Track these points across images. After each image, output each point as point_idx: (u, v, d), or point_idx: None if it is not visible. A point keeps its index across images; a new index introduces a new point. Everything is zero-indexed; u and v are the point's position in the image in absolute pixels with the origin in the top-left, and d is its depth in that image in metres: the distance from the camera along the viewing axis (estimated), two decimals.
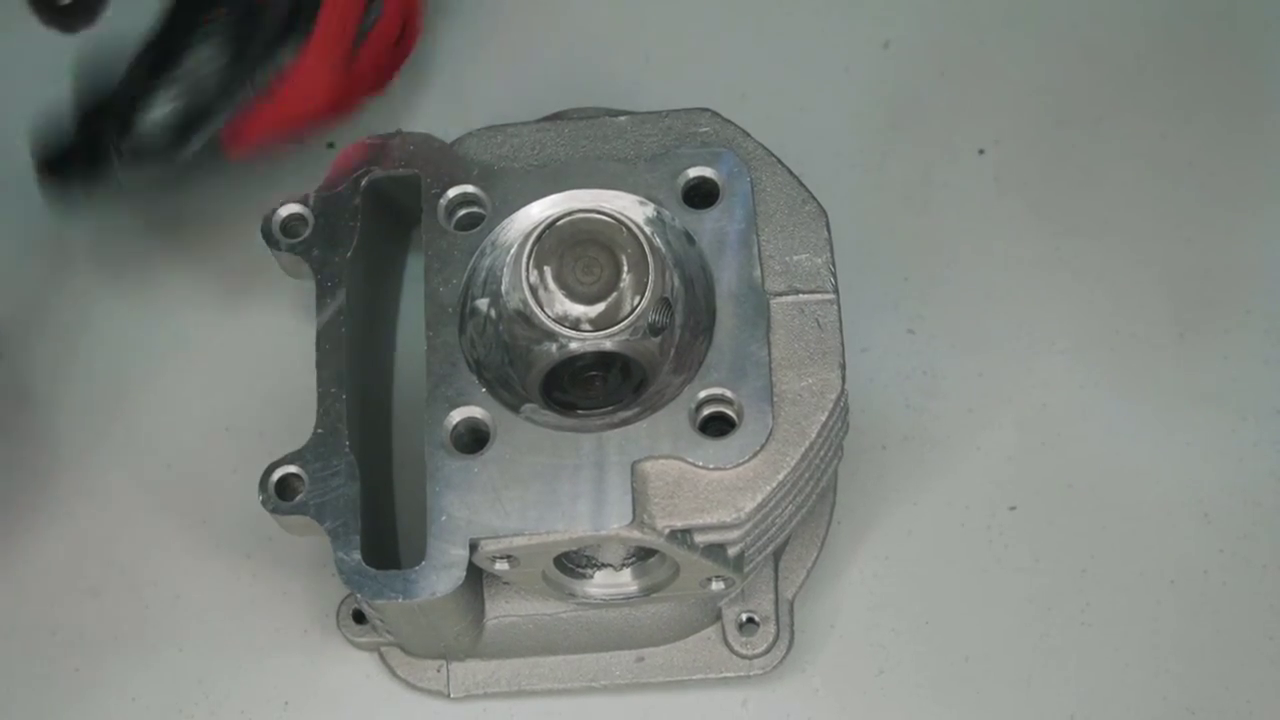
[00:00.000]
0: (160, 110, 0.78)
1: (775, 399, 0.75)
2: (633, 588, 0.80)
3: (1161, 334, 0.87)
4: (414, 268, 0.87)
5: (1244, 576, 0.86)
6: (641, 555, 0.79)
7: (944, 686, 0.83)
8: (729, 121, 0.80)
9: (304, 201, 0.80)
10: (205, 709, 0.84)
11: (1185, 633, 0.85)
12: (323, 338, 0.78)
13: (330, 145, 0.93)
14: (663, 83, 0.94)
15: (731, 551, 0.76)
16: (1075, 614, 0.85)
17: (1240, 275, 0.91)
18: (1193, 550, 0.86)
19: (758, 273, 0.77)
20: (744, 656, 0.82)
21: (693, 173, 0.79)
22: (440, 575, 0.73)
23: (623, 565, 0.80)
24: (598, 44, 0.92)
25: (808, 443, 0.74)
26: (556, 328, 0.78)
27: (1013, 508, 0.87)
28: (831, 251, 0.78)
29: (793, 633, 0.83)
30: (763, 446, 0.74)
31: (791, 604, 0.83)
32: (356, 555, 0.74)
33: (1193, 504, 0.87)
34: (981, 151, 0.94)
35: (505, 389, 0.77)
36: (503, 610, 0.82)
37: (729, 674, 0.82)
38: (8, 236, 0.92)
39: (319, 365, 0.78)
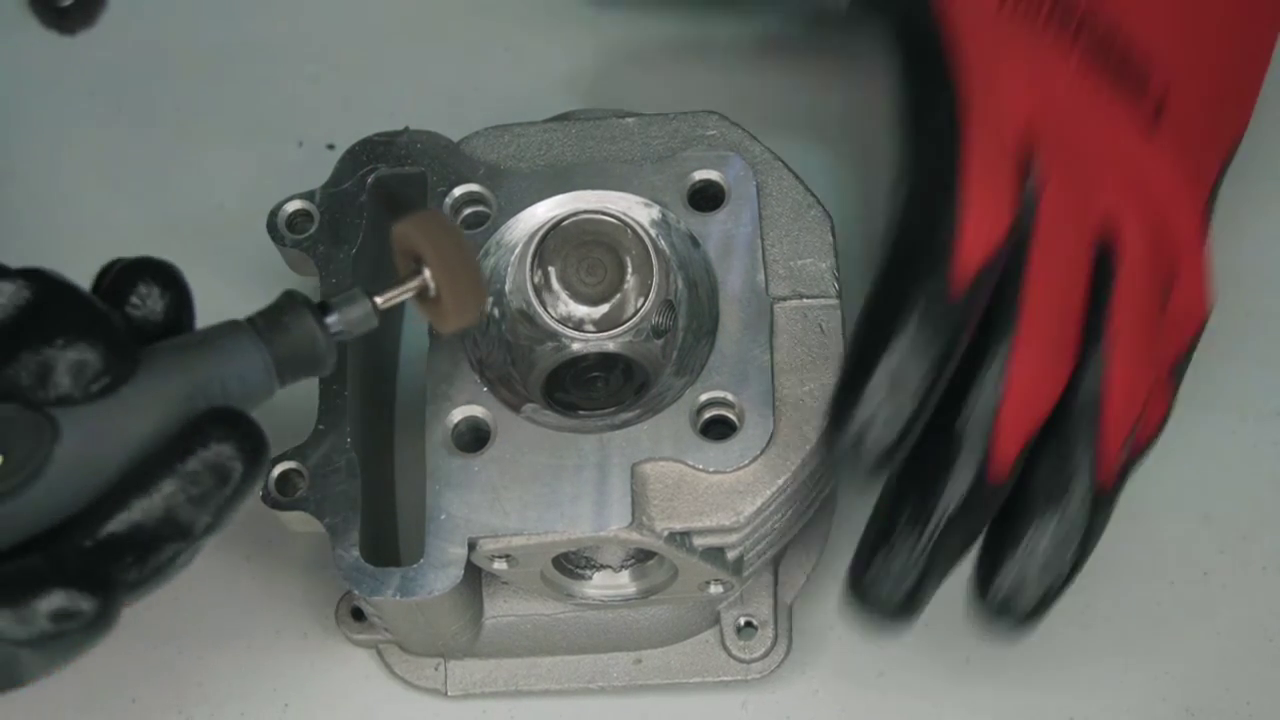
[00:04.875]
0: None
1: (777, 403, 0.75)
2: (631, 589, 0.80)
3: None
4: None
5: (1244, 577, 0.86)
6: (640, 557, 0.79)
7: (944, 688, 0.83)
8: (736, 125, 0.80)
9: (310, 198, 0.80)
10: (205, 711, 0.84)
11: (1185, 633, 0.85)
12: None
13: (330, 146, 0.93)
14: (663, 83, 0.94)
15: (730, 555, 0.76)
16: (1075, 615, 0.84)
17: (1240, 276, 0.91)
18: (1193, 551, 0.86)
19: (761, 277, 0.77)
20: (741, 660, 0.82)
21: (699, 175, 0.79)
22: (438, 574, 0.73)
23: (621, 567, 0.80)
24: (602, 44, 0.92)
25: (809, 448, 0.74)
26: (559, 328, 0.78)
27: None
28: (836, 257, 0.78)
29: (791, 637, 0.83)
30: (763, 451, 0.74)
31: (790, 609, 0.83)
32: (355, 552, 0.74)
33: (1193, 505, 0.87)
34: None
35: (507, 389, 0.77)
36: (501, 609, 0.82)
37: (727, 677, 0.82)
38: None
39: None
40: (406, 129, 0.81)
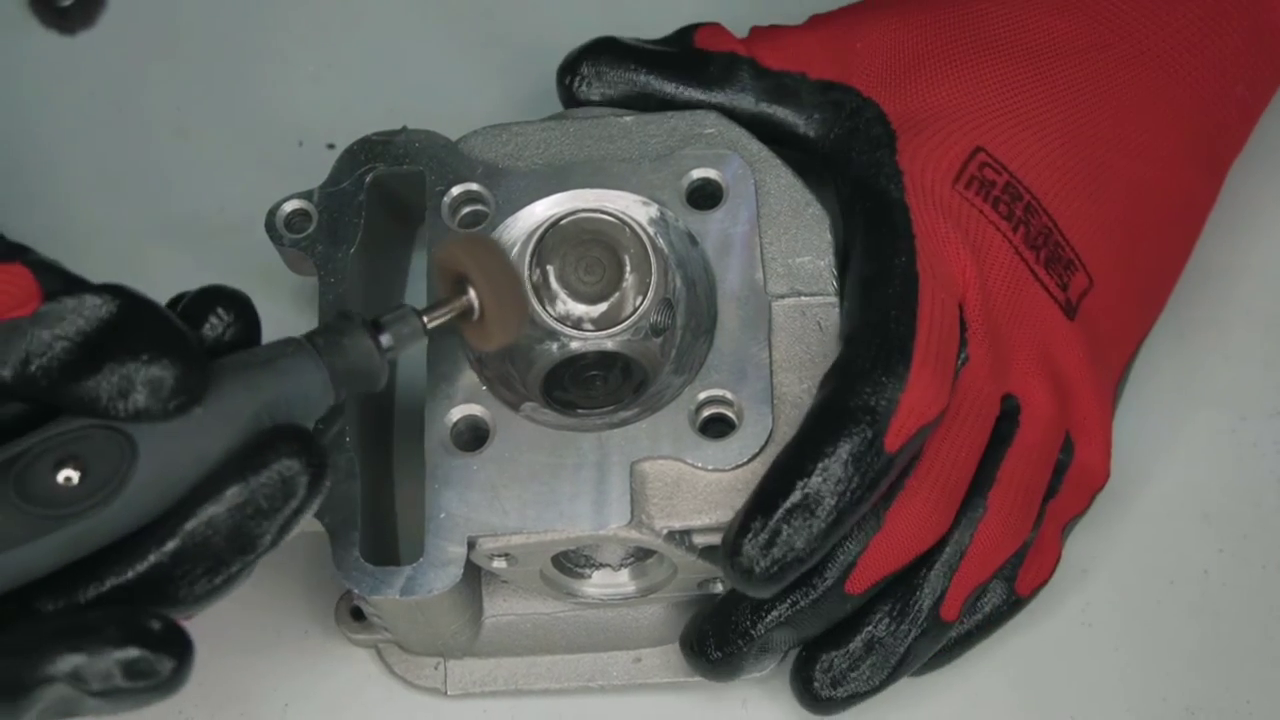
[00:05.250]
0: None
1: (775, 401, 0.75)
2: (630, 588, 0.80)
3: (1161, 334, 0.87)
4: (418, 266, 0.87)
5: (1244, 576, 0.85)
6: (640, 555, 0.79)
7: (944, 687, 0.83)
8: (734, 123, 0.80)
9: (308, 197, 0.80)
10: (206, 711, 0.83)
11: (1185, 633, 0.84)
12: None
13: (330, 146, 0.93)
14: None
15: None
16: (1075, 614, 0.85)
17: (1240, 275, 0.91)
18: (1192, 550, 0.86)
19: (760, 275, 0.77)
20: None
21: (697, 174, 0.79)
22: (437, 573, 0.73)
23: (621, 565, 0.80)
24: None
25: None
26: (558, 327, 0.78)
27: None
28: (834, 254, 0.78)
29: None
30: (762, 449, 0.74)
31: None
32: (355, 551, 0.74)
33: (1192, 504, 0.87)
34: None
35: (506, 387, 0.77)
36: (501, 609, 0.82)
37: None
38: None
39: None
40: (405, 128, 0.81)
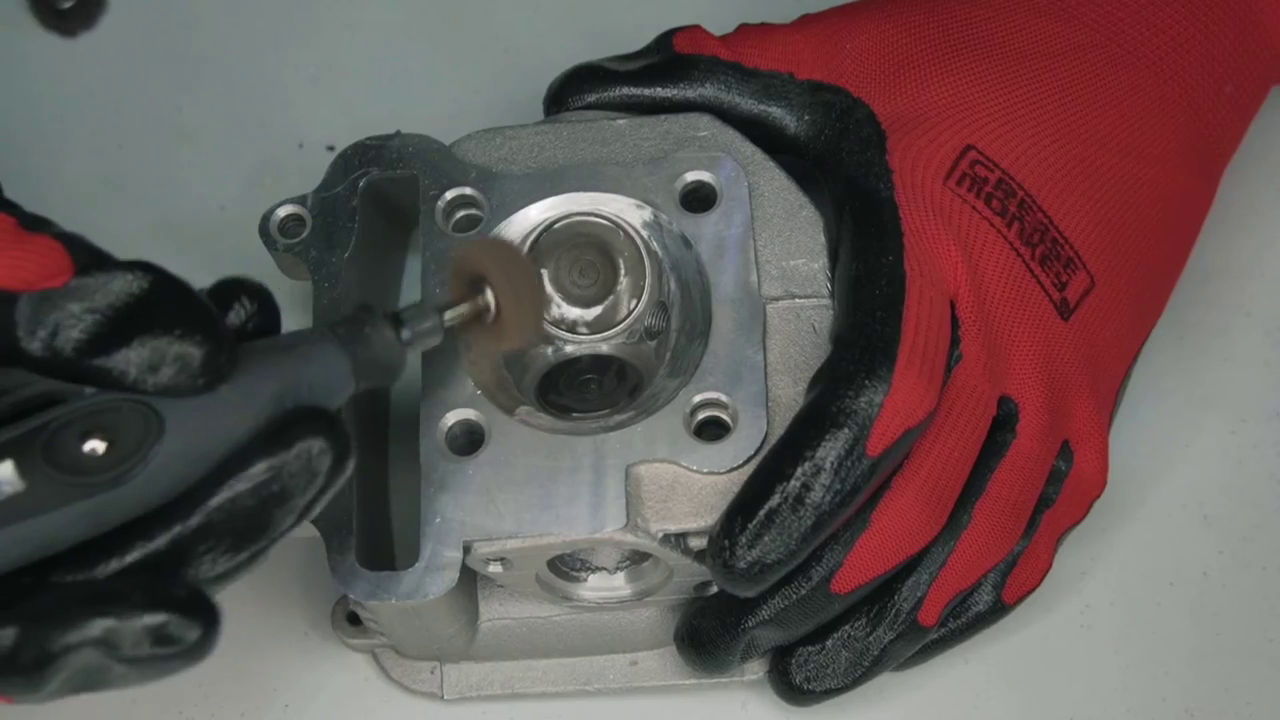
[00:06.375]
0: None
1: (770, 404, 0.75)
2: (626, 591, 0.80)
3: (1161, 335, 0.87)
4: (412, 269, 0.87)
5: (1244, 578, 0.86)
6: (635, 559, 0.79)
7: (942, 688, 0.83)
8: (727, 126, 0.80)
9: (302, 202, 0.80)
10: (205, 711, 0.84)
11: (1185, 634, 0.85)
12: None
13: (330, 148, 0.93)
14: None
15: None
16: (1075, 615, 0.85)
17: (1240, 277, 0.91)
18: (1192, 552, 0.86)
19: (754, 277, 0.77)
20: None
21: (691, 177, 0.78)
22: (433, 577, 0.73)
23: (616, 569, 0.80)
24: (598, 47, 0.92)
25: None
26: (553, 330, 0.78)
27: None
28: (828, 256, 0.78)
29: None
30: (757, 451, 0.74)
31: None
32: (350, 556, 0.74)
33: (1192, 505, 0.87)
34: None
35: (501, 391, 0.77)
36: (496, 613, 0.82)
37: (722, 679, 0.82)
38: None
39: None
40: (398, 132, 0.81)
